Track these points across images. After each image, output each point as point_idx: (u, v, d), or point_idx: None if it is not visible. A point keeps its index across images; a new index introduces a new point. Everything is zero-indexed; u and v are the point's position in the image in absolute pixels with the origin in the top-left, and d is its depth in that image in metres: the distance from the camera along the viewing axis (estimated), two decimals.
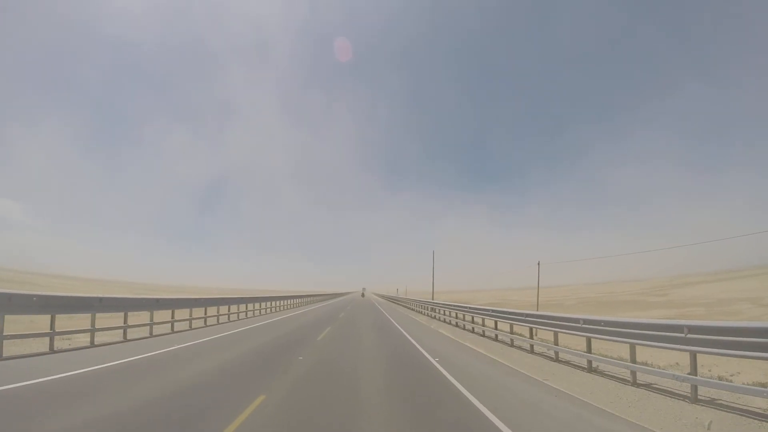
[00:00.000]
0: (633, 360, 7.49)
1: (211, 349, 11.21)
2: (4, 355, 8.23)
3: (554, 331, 10.20)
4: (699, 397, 6.19)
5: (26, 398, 5.77)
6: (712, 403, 6.08)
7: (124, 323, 12.12)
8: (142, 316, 13.97)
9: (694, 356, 6.19)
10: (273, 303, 31.05)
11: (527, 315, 12.03)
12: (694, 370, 6.17)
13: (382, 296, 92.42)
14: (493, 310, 15.04)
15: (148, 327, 13.26)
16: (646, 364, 7.96)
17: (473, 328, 17.60)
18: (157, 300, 14.87)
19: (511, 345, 12.92)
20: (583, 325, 8.80)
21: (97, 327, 10.95)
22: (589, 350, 8.85)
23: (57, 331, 9.74)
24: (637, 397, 6.71)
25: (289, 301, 38.17)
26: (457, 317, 20.49)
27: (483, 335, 15.85)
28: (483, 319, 16.48)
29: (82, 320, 12.81)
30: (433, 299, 39.49)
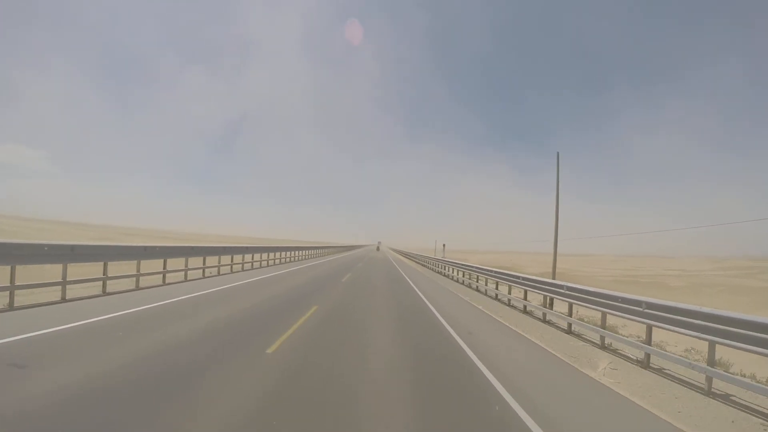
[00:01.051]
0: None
1: (264, 284, 15.39)
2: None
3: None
4: None
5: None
6: None
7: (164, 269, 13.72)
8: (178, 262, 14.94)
9: None
10: (291, 253, 32.45)
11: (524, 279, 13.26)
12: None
13: (397, 251, 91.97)
14: (497, 272, 16.31)
15: (184, 272, 14.94)
16: None
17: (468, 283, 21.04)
18: (193, 248, 16.37)
19: (508, 304, 14.30)
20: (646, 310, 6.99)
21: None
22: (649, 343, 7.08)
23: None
24: None
25: (305, 251, 39.68)
26: (464, 276, 22.29)
27: (471, 287, 19.75)
28: (478, 276, 19.15)
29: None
30: (443, 257, 38.09)
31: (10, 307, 8.14)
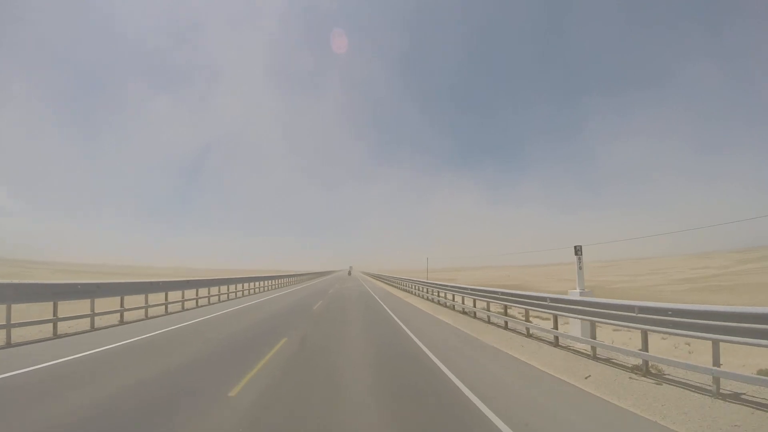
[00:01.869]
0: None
1: (234, 316, 14.86)
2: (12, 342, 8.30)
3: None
4: None
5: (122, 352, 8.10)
6: None
7: (145, 303, 13.95)
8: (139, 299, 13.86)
9: None
10: (260, 283, 31.54)
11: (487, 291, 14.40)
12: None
13: (371, 275, 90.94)
14: (462, 288, 17.76)
15: (144, 309, 13.78)
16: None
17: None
18: (153, 283, 15.57)
19: (474, 317, 15.43)
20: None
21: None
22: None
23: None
24: None
25: (274, 281, 38.05)
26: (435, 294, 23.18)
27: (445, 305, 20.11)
28: (451, 295, 19.58)
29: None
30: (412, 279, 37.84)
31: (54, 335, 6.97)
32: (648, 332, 6.70)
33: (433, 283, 24.63)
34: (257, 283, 30.69)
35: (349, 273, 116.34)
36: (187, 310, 16.41)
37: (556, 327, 9.59)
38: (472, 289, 15.70)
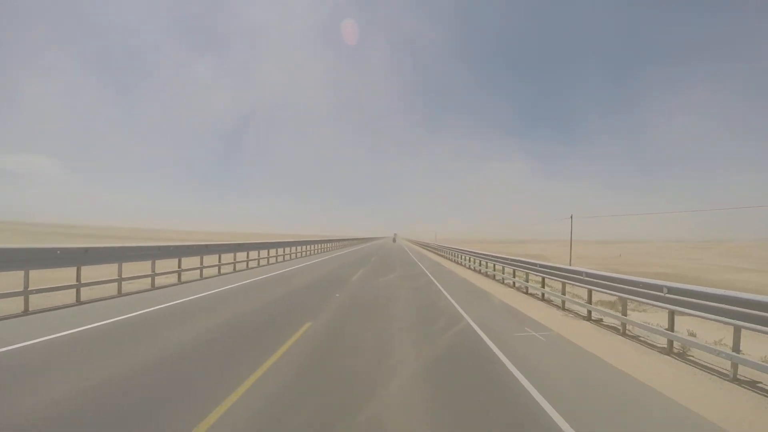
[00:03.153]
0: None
1: (311, 268, 21.06)
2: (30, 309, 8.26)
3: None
4: None
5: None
6: None
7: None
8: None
9: None
10: (306, 247, 33.88)
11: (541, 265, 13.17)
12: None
13: (414, 242, 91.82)
14: (512, 260, 16.46)
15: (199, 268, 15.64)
16: None
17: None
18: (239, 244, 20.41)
19: (527, 292, 14.35)
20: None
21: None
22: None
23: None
24: None
25: (323, 245, 41.13)
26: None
27: (485, 274, 20.21)
28: (495, 265, 18.89)
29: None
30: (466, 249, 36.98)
31: (25, 312, 8.47)
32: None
33: (516, 260, 15.69)
34: (303, 247, 32.51)
35: (394, 240, 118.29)
36: (252, 268, 19.54)
37: None
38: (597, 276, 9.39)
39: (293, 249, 29.18)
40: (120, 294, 10.69)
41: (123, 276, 11.00)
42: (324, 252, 39.21)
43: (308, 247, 34.35)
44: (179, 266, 13.87)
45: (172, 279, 13.63)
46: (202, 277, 14.91)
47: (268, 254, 23.57)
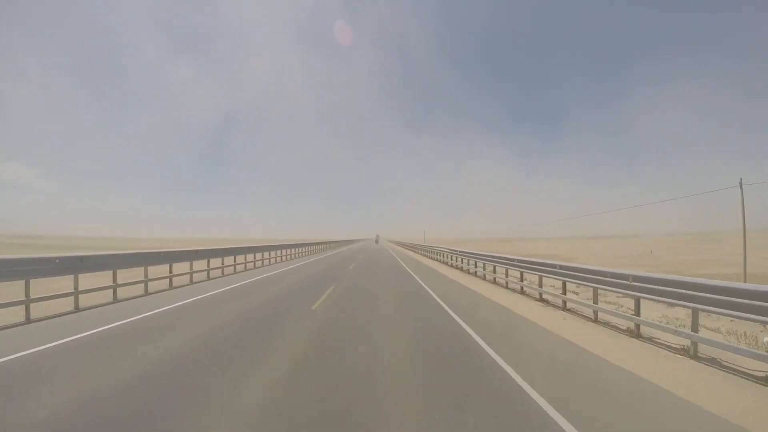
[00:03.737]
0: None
1: (284, 275, 18.91)
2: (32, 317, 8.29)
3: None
4: None
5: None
6: None
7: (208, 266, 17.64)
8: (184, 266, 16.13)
9: None
10: (288, 251, 33.32)
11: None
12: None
13: (398, 243, 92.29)
14: (491, 256, 17.87)
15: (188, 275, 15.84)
16: None
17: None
18: (197, 251, 17.59)
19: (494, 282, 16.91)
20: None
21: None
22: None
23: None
24: None
25: (300, 249, 38.56)
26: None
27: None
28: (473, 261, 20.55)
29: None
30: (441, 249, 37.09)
31: (27, 319, 8.64)
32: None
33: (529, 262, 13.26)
34: (283, 251, 31.66)
35: (376, 241, 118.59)
36: (233, 273, 19.41)
37: None
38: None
39: (270, 253, 27.91)
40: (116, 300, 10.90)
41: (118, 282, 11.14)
42: (306, 255, 38.91)
43: (287, 251, 32.77)
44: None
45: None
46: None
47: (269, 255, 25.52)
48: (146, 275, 12.59)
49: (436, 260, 31.81)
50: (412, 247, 54.65)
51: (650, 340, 7.31)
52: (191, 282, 15.24)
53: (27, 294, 8.60)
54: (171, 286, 13.85)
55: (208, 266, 17.47)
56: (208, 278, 16.81)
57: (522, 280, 13.69)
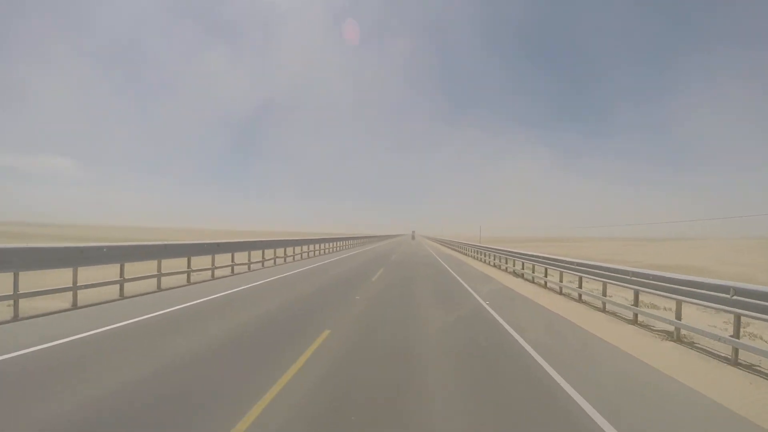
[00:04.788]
0: None
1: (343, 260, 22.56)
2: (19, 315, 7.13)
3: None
4: None
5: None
6: None
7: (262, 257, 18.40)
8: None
9: None
10: (338, 243, 35.69)
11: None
12: None
13: (435, 239, 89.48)
14: (530, 255, 16.25)
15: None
16: None
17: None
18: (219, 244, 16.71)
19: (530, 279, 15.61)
20: None
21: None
22: None
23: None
24: None
25: (347, 241, 42.47)
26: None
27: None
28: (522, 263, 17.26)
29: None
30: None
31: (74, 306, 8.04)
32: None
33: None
34: (322, 245, 30.80)
35: (413, 237, 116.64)
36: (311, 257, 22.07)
37: None
38: None
39: (310, 247, 27.02)
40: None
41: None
42: (342, 249, 37.18)
43: (325, 245, 31.76)
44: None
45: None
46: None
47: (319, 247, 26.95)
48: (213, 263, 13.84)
49: (489, 264, 25.45)
50: (457, 247, 47.37)
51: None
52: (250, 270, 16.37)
53: (121, 274, 9.62)
54: (233, 273, 15.03)
55: (265, 256, 18.63)
56: (274, 263, 19.11)
57: (636, 304, 8.57)
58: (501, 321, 8.13)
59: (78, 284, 8.32)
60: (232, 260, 15.25)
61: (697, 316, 8.81)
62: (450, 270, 19.83)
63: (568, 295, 12.22)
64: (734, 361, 5.73)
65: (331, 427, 3.48)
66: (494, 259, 24.43)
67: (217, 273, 14.06)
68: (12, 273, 7.19)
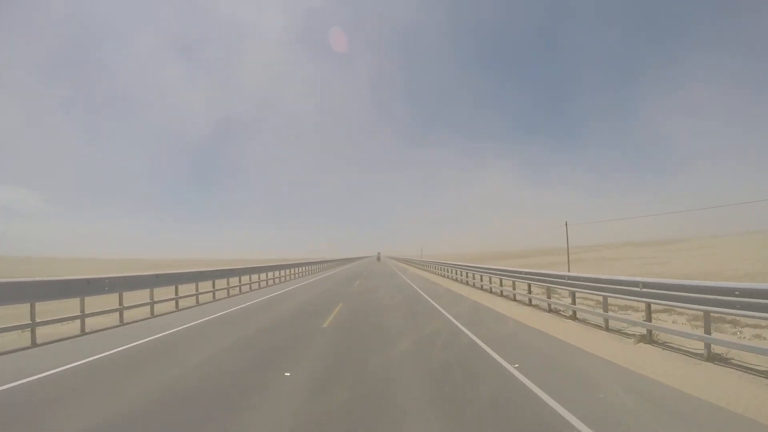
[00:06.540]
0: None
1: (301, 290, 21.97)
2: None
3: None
4: None
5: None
6: None
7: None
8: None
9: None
10: (295, 270, 34.31)
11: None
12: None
13: (399, 259, 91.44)
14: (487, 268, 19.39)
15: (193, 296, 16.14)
16: None
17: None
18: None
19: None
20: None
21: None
22: None
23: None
24: None
25: (305, 267, 39.35)
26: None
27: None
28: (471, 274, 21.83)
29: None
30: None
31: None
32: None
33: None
34: (284, 272, 31.16)
35: (378, 259, 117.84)
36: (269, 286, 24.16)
37: None
38: None
39: (270, 274, 27.21)
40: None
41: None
42: (308, 274, 38.33)
43: (288, 271, 32.16)
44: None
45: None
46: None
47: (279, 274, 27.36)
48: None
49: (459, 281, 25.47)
50: (419, 264, 52.84)
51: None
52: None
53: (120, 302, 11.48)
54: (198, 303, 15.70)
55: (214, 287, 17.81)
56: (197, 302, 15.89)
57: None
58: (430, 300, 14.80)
59: (85, 312, 9.50)
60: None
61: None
62: (412, 284, 24.85)
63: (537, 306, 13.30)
64: None
65: None
66: (453, 273, 27.69)
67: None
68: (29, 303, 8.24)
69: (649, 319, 7.89)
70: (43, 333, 8.99)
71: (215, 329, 10.32)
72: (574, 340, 8.21)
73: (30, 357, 7.48)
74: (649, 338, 7.69)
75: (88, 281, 10.13)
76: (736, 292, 6.10)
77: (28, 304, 8.47)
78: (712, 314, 6.61)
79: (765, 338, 7.55)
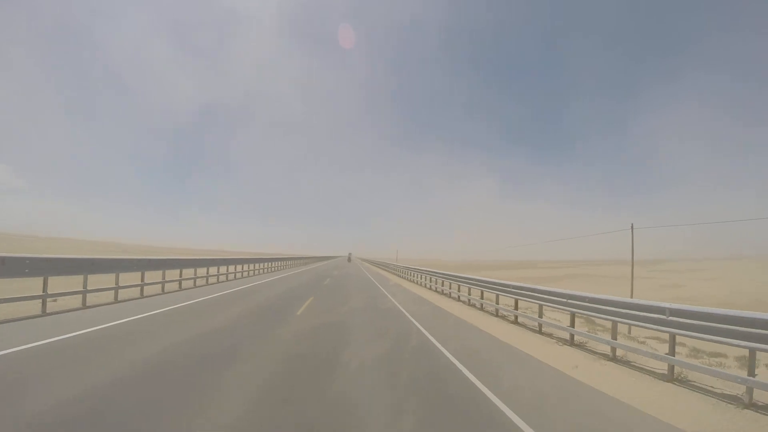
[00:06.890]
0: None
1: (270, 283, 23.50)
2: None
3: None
4: None
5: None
6: None
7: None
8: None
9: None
10: (256, 265, 34.04)
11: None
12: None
13: (371, 262, 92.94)
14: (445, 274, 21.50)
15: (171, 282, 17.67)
16: None
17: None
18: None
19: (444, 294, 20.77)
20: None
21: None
22: None
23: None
24: None
25: (277, 263, 42.00)
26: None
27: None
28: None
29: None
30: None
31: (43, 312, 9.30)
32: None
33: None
34: (253, 266, 32.60)
35: (349, 259, 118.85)
36: (239, 278, 25.75)
37: None
38: None
39: (267, 264, 30.59)
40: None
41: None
42: (280, 270, 40.10)
43: (257, 265, 33.60)
44: None
45: None
46: None
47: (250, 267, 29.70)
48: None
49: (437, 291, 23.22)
50: (383, 266, 54.83)
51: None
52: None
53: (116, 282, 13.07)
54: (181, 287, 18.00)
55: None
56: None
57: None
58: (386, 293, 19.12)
59: (87, 288, 11.41)
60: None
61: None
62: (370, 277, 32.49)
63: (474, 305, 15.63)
64: None
65: None
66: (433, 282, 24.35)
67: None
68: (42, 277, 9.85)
69: (673, 352, 6.67)
70: (50, 305, 10.37)
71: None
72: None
73: (44, 324, 8.64)
74: (671, 376, 6.57)
75: (92, 261, 11.69)
76: None
77: (41, 278, 9.88)
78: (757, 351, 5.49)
79: None
